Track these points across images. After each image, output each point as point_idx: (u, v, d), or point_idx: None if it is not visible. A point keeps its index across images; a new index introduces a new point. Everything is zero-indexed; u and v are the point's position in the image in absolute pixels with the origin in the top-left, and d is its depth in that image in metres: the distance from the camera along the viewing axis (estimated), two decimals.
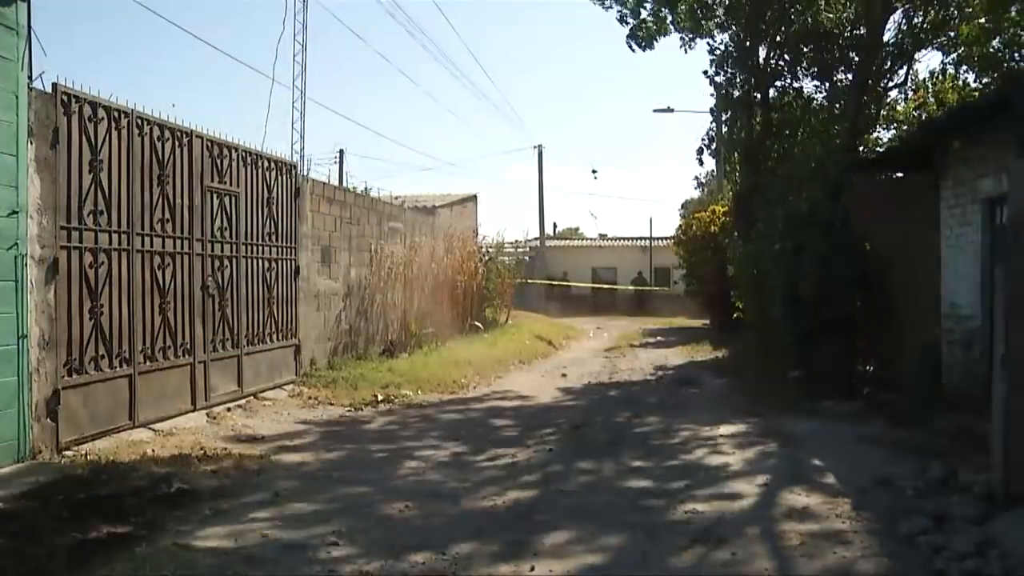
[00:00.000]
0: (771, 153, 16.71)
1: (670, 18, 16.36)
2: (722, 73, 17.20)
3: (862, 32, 14.70)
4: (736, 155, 18.38)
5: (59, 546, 4.30)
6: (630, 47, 16.87)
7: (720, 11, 16.37)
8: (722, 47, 16.97)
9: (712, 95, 18.06)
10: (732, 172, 19.08)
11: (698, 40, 17.08)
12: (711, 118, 18.62)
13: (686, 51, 17.20)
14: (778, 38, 15.99)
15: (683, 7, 15.91)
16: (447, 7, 50.86)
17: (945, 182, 8.86)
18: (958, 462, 5.88)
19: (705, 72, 17.79)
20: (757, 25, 15.46)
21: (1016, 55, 13.66)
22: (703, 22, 16.51)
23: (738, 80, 17.03)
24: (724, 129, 18.41)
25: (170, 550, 4.35)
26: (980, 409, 6.24)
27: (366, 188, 15.24)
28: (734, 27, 16.10)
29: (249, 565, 4.23)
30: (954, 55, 15.37)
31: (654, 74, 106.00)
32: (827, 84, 16.49)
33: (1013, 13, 13.03)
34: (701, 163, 18.70)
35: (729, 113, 17.85)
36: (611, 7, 16.75)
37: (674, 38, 17.12)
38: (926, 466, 6.02)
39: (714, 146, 18.49)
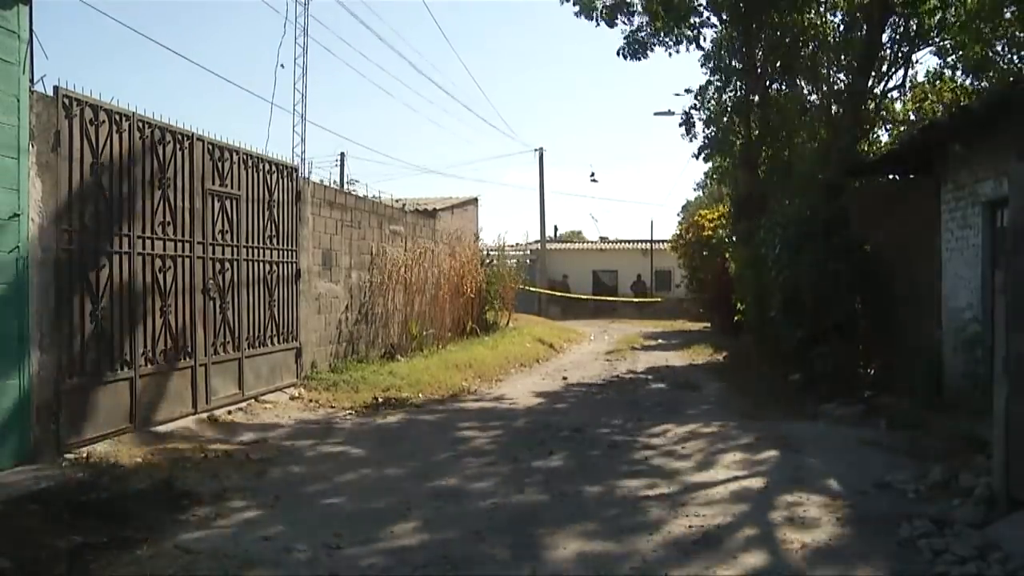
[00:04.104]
0: (769, 156, 16.70)
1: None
2: (718, 74, 17.19)
3: (859, 34, 14.68)
4: (733, 157, 18.33)
5: (60, 549, 4.31)
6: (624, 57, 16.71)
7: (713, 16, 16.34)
8: (714, 45, 16.97)
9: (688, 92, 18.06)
10: (732, 173, 19.02)
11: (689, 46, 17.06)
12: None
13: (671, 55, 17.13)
14: (774, 38, 15.98)
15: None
16: (448, 9, 50.90)
17: (945, 185, 8.86)
18: (959, 465, 5.88)
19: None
20: (751, 27, 15.44)
21: (1015, 57, 13.65)
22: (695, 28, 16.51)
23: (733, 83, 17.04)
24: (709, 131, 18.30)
25: (171, 552, 4.37)
26: (981, 412, 6.24)
27: (360, 190, 15.24)
28: (731, 30, 16.09)
29: (250, 567, 4.24)
30: (951, 57, 15.37)
31: (655, 76, 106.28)
32: (823, 86, 16.47)
33: (1009, 16, 13.03)
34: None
35: (727, 118, 17.82)
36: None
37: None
38: (927, 469, 6.02)
39: (708, 139, 18.37)
